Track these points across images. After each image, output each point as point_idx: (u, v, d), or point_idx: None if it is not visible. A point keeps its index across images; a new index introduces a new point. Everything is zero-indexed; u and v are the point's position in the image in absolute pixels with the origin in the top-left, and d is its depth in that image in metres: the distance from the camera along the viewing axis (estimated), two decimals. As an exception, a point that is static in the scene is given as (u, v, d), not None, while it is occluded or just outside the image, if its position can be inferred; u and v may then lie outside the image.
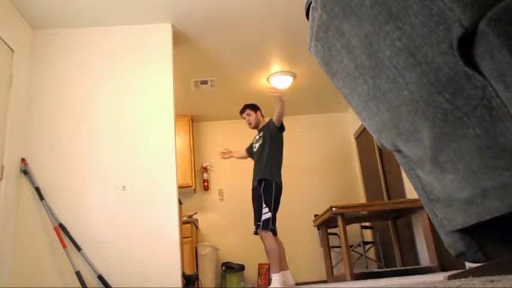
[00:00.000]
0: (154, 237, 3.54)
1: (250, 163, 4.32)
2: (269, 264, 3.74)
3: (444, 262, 4.10)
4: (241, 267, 5.65)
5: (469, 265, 1.83)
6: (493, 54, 0.76)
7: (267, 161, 3.96)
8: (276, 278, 3.65)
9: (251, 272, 5.72)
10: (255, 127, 4.27)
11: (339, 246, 5.08)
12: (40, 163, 3.61)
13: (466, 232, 1.06)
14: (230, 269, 5.62)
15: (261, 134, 4.15)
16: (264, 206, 3.80)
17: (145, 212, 3.60)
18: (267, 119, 4.25)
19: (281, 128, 4.07)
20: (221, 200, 6.32)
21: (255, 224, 3.82)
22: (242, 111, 4.35)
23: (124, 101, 3.90)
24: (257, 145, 4.15)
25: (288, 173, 6.50)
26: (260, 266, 5.82)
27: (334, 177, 6.50)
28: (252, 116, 4.25)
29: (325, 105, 6.54)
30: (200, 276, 5.15)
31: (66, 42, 4.02)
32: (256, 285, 5.79)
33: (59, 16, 3.88)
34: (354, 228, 5.77)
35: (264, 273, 5.74)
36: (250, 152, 4.34)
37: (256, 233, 3.83)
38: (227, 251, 5.89)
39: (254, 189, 3.97)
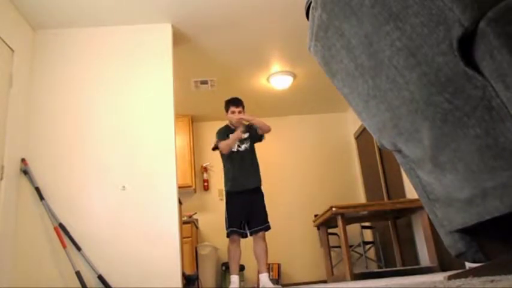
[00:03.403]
0: (155, 237, 3.54)
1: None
2: (259, 263, 3.76)
3: (444, 262, 4.10)
4: (241, 267, 5.64)
5: (469, 265, 1.83)
6: (493, 55, 0.76)
7: (258, 167, 3.96)
8: (266, 275, 3.71)
9: (251, 272, 5.72)
10: (237, 126, 3.97)
11: (339, 246, 5.08)
12: (40, 163, 3.61)
13: (466, 232, 1.06)
14: (230, 269, 5.61)
15: (246, 136, 3.97)
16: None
17: (145, 212, 3.60)
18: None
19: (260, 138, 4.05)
20: (221, 200, 6.29)
21: (263, 224, 3.79)
22: (238, 105, 3.97)
23: (124, 100, 3.89)
24: (245, 146, 3.95)
25: (287, 173, 6.58)
26: (260, 266, 5.82)
27: (334, 177, 6.50)
28: (242, 114, 3.97)
29: (325, 105, 6.53)
30: (200, 276, 5.15)
31: (66, 42, 4.01)
32: (256, 285, 5.78)
33: (59, 16, 3.88)
34: (354, 228, 5.77)
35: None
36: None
37: (258, 231, 3.80)
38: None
39: (255, 191, 3.89)
